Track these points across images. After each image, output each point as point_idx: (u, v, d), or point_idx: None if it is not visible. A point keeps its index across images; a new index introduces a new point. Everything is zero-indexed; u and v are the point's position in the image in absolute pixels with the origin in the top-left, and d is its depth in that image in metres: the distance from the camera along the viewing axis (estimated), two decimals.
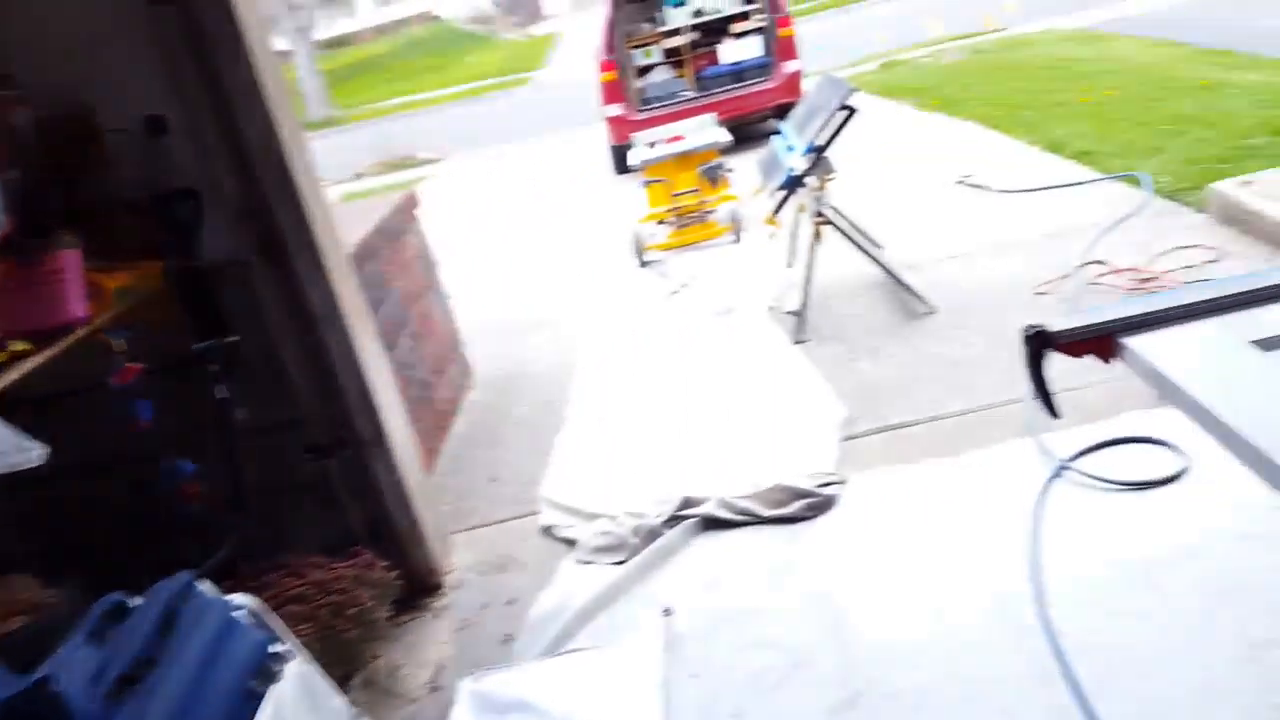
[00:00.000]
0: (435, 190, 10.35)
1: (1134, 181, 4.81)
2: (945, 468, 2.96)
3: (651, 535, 2.94)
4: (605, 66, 8.37)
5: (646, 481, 3.26)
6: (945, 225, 5.01)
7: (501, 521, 3.27)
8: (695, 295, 4.97)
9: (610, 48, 8.46)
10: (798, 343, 4.05)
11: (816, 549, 2.72)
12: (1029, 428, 2.99)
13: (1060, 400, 1.53)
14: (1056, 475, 2.74)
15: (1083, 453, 2.80)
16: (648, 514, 3.02)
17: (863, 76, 10.68)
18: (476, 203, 9.42)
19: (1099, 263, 3.92)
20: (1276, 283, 1.44)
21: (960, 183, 5.58)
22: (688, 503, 3.04)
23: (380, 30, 38.48)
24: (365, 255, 3.40)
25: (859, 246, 4.16)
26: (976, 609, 2.33)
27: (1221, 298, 1.44)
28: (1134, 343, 1.41)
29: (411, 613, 2.82)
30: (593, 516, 3.10)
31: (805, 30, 9.45)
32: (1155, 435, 2.76)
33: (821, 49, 11.99)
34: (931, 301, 4.03)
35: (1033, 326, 1.49)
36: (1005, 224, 4.78)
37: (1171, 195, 4.55)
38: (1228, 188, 4.09)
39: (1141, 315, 1.45)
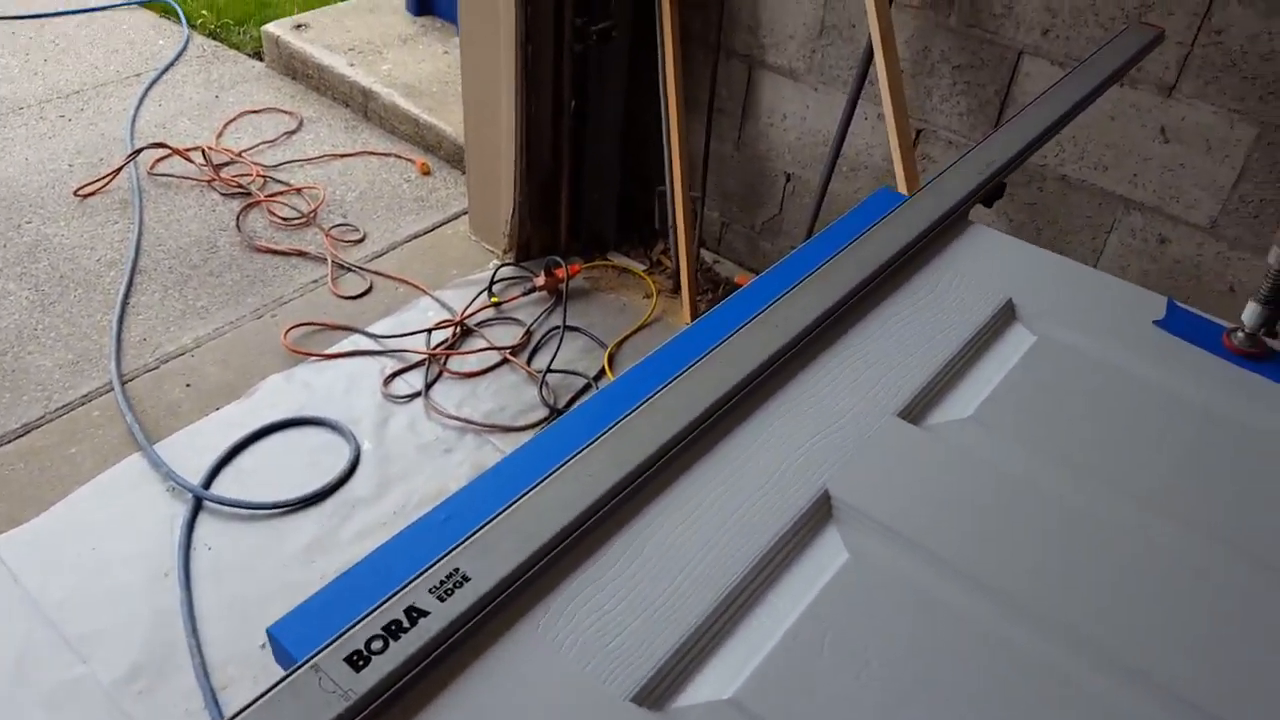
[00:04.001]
0: None
1: (168, 11, 3.84)
2: (25, 544, 1.94)
3: None
4: None
5: None
6: None
7: None
8: None
9: None
10: None
11: None
12: (139, 439, 2.11)
13: None
14: (197, 509, 1.98)
15: (218, 467, 2.07)
16: None
17: None
18: None
19: (159, 145, 2.98)
20: None
21: None
22: None
23: None
24: None
25: None
26: None
27: None
28: None
29: None
30: None
31: None
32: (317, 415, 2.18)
33: None
34: None
35: None
36: (3, 73, 3.40)
37: (216, 34, 3.74)
38: (283, 32, 3.46)
39: None
